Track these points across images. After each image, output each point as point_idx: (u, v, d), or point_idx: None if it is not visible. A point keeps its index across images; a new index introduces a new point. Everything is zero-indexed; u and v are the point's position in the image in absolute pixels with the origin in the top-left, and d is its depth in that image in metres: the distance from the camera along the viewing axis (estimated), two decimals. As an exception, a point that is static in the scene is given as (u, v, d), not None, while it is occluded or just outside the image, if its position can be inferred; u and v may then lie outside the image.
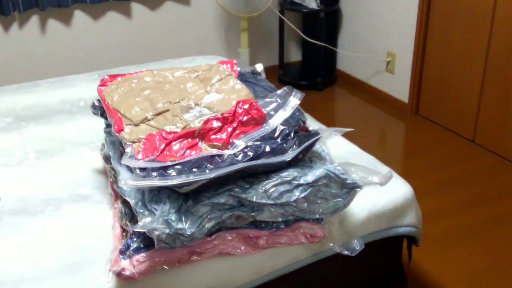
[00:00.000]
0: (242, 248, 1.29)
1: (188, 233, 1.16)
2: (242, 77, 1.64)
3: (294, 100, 1.43)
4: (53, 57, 3.37)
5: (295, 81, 3.85)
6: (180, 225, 1.15)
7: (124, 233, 1.33)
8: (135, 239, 1.21)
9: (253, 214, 1.24)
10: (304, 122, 1.42)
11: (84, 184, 1.61)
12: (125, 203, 1.36)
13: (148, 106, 1.42)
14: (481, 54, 2.82)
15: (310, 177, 1.25)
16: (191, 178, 1.15)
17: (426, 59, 3.22)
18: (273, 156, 1.25)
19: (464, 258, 2.10)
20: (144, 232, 1.16)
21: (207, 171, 1.18)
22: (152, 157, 1.24)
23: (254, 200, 1.21)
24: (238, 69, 1.68)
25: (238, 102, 1.39)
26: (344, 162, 1.34)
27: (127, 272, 1.19)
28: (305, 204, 1.26)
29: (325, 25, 3.67)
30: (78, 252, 1.32)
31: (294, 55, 4.18)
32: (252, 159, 1.23)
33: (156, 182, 1.14)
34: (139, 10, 3.50)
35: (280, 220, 1.28)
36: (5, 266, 1.28)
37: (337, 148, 1.70)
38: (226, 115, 1.36)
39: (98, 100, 1.58)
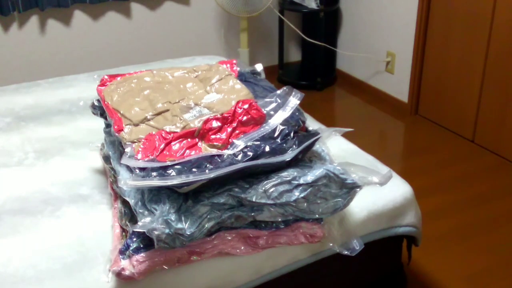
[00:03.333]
0: (242, 248, 1.29)
1: (188, 233, 1.16)
2: (241, 77, 1.63)
3: (294, 100, 1.43)
4: (53, 57, 3.37)
5: (295, 81, 3.85)
6: (179, 225, 1.15)
7: (123, 233, 1.33)
8: (134, 239, 1.21)
9: (252, 214, 1.24)
10: (303, 122, 1.42)
11: (84, 184, 1.60)
12: (125, 203, 1.36)
13: (148, 106, 1.42)
14: (480, 54, 2.83)
15: (309, 177, 1.24)
16: (191, 178, 1.15)
17: (426, 59, 3.22)
18: (272, 156, 1.25)
19: (464, 258, 2.10)
20: (144, 232, 1.16)
21: (206, 171, 1.18)
22: (152, 157, 1.24)
23: (253, 200, 1.21)
24: (238, 69, 1.68)
25: (237, 102, 1.39)
26: (344, 162, 1.34)
27: (126, 272, 1.19)
28: (305, 204, 1.26)
29: (324, 25, 3.67)
30: (77, 252, 1.31)
31: (294, 55, 4.18)
32: (251, 159, 1.23)
33: (156, 182, 1.14)
34: (138, 10, 3.50)
35: (279, 220, 1.28)
36: (5, 266, 1.27)
37: (336, 148, 1.70)
38: (225, 115, 1.36)
39: (98, 100, 1.58)
